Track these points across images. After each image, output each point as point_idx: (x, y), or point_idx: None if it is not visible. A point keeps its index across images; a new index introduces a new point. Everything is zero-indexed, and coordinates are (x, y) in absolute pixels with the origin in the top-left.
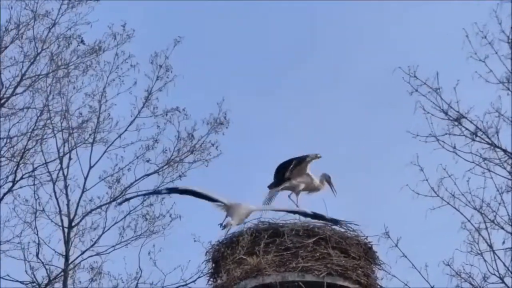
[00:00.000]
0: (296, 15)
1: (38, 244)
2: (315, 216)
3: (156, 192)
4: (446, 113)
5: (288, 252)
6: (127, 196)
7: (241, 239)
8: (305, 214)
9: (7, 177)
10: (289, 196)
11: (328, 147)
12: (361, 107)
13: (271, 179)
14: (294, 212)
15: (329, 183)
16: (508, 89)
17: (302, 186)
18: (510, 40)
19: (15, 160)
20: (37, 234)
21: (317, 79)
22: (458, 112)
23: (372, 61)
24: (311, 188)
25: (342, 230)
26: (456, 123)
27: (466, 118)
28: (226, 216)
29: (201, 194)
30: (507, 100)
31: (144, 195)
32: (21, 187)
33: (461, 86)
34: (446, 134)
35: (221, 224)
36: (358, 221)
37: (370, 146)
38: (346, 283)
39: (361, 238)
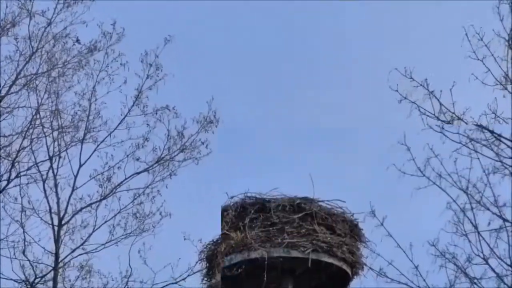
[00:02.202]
0: (288, 14)
1: (25, 241)
2: None
3: None
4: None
5: (274, 227)
6: None
7: (226, 214)
8: None
9: (1, 175)
10: None
11: (315, 129)
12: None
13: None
14: None
15: None
16: (506, 89)
17: None
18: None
19: (10, 158)
20: (24, 232)
21: (308, 77)
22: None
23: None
24: None
25: (329, 206)
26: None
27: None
28: None
29: None
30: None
31: None
32: (15, 186)
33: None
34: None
35: None
36: (345, 199)
37: (359, 122)
38: (331, 260)
39: (347, 215)
